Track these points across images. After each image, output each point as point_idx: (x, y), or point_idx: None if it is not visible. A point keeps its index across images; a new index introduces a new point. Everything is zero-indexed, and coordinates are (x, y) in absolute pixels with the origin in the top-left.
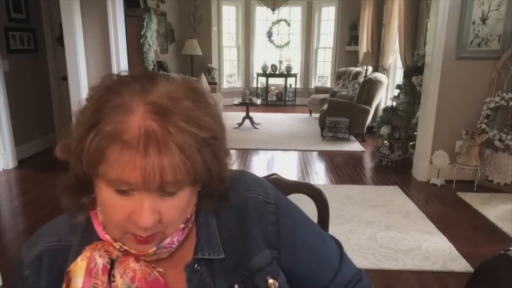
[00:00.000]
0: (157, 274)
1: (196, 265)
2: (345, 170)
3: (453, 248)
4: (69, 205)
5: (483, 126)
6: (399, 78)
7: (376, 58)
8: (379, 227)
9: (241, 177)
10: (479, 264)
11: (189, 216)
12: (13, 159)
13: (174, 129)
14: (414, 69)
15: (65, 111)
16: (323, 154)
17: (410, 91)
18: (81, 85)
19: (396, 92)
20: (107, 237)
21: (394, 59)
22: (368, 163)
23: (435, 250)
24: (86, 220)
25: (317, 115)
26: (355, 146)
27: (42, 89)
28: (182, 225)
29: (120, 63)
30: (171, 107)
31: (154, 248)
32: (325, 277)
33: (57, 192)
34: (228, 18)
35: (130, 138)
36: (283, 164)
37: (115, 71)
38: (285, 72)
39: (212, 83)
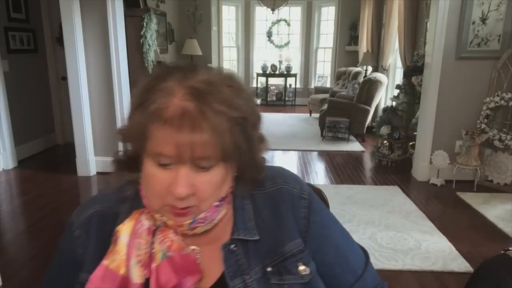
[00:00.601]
0: (190, 250)
1: (233, 245)
2: (345, 170)
3: (453, 248)
4: (120, 180)
5: (483, 126)
6: (399, 78)
7: (376, 58)
8: (379, 227)
9: (279, 170)
10: (479, 264)
11: (223, 196)
12: (13, 159)
13: (207, 108)
14: (414, 69)
15: (65, 111)
16: (323, 154)
17: (410, 91)
18: (81, 85)
19: (396, 92)
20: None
21: (394, 59)
22: (368, 163)
23: (435, 250)
24: (135, 192)
25: (317, 115)
26: (355, 146)
27: (42, 89)
28: (217, 203)
29: (120, 63)
30: (206, 90)
31: (190, 220)
32: (346, 280)
33: (112, 167)
34: (228, 18)
35: (169, 116)
36: (283, 164)
37: (115, 71)
38: (285, 72)
39: None
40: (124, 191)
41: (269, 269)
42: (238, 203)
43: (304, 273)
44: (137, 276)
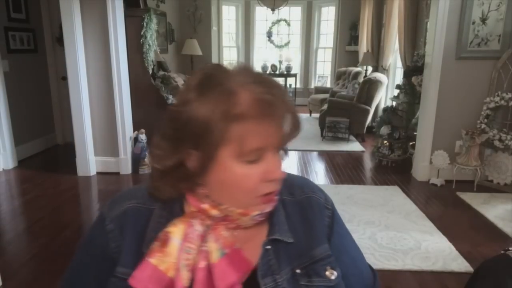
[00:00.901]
0: (239, 246)
1: (268, 246)
2: (345, 170)
3: (453, 248)
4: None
5: (483, 126)
6: (399, 78)
7: (376, 58)
8: (379, 227)
9: (305, 180)
10: (479, 264)
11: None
12: (13, 159)
13: (277, 93)
14: (414, 69)
15: (65, 111)
16: (323, 154)
17: (410, 91)
18: (81, 85)
19: (396, 92)
20: (205, 206)
21: (394, 59)
22: (368, 163)
23: (435, 250)
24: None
25: (317, 115)
26: (355, 146)
27: (42, 89)
28: (276, 196)
29: (120, 63)
30: (267, 80)
31: (257, 212)
32: None
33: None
34: (228, 18)
35: (253, 111)
36: (283, 164)
37: (115, 71)
38: (285, 72)
39: None
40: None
41: (298, 270)
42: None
43: (332, 277)
44: (184, 279)
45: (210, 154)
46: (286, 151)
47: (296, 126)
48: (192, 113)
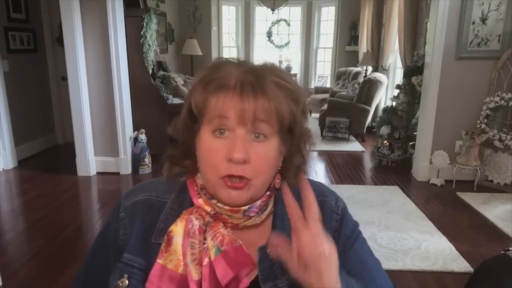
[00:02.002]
0: (240, 242)
1: (269, 249)
2: (345, 170)
3: (453, 248)
4: (171, 171)
5: (483, 126)
6: (399, 78)
7: (376, 58)
8: (379, 227)
9: (317, 184)
10: (479, 264)
11: (273, 186)
12: (13, 159)
13: (267, 79)
14: (414, 69)
15: (65, 111)
16: (323, 154)
17: (410, 91)
18: (81, 85)
19: (396, 92)
20: (200, 202)
21: (394, 59)
22: (368, 163)
23: (435, 250)
24: (181, 185)
25: (317, 115)
26: (355, 146)
27: (42, 89)
28: (268, 193)
29: (120, 63)
30: (262, 69)
31: (246, 208)
32: None
33: (163, 160)
34: (228, 18)
35: (231, 84)
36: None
37: (115, 71)
38: None
39: None
40: (171, 184)
41: None
42: (278, 211)
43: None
44: (194, 273)
45: (195, 124)
46: (263, 137)
47: (272, 113)
48: (189, 91)
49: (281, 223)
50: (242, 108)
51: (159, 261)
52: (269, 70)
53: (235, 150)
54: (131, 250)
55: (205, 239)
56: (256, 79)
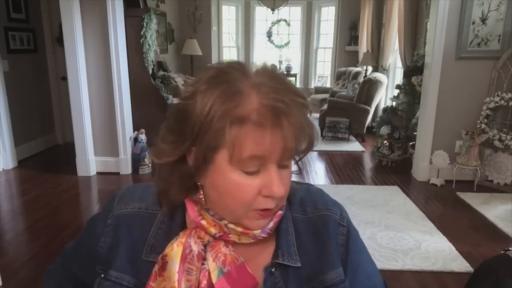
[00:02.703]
0: (242, 260)
1: (273, 268)
2: (345, 170)
3: (453, 248)
4: (174, 192)
5: (483, 126)
6: (399, 78)
7: (376, 58)
8: (379, 227)
9: (319, 194)
10: (479, 264)
11: (284, 204)
12: (13, 159)
13: (289, 101)
14: (414, 69)
15: (65, 111)
16: (323, 154)
17: (410, 91)
18: (81, 85)
19: (396, 92)
20: (203, 222)
21: (394, 59)
22: (368, 163)
23: (435, 250)
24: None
25: (317, 115)
26: (355, 146)
27: (42, 89)
28: (280, 212)
29: (120, 63)
30: (277, 83)
31: (259, 231)
32: None
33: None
34: (228, 18)
35: (257, 117)
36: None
37: (115, 71)
38: (285, 72)
39: None
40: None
41: None
42: (283, 226)
43: None
44: None
45: (205, 153)
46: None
47: (308, 142)
48: (194, 107)
49: (285, 238)
50: (284, 146)
51: (152, 284)
52: (281, 81)
53: (277, 188)
54: (119, 268)
55: (204, 259)
56: (280, 103)
